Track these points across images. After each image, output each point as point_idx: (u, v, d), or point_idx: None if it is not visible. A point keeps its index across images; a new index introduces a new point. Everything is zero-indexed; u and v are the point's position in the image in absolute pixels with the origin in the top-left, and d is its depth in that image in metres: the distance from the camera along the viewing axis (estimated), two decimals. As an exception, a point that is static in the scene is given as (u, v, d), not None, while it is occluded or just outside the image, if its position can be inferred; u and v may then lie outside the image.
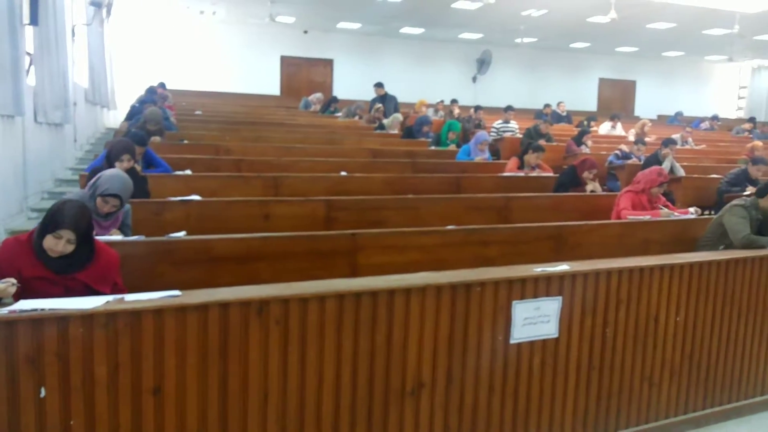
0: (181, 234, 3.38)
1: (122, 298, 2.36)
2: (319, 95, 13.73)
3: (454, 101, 13.29)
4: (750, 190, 6.36)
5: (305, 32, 17.79)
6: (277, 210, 4.45)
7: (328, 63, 18.48)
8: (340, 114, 12.03)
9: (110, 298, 2.36)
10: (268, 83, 17.45)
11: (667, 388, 3.38)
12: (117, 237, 3.30)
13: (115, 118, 12.90)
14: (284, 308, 2.47)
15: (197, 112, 10.77)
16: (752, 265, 3.61)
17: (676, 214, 5.05)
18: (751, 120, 15.19)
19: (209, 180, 5.26)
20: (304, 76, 18.31)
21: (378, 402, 2.66)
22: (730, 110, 22.37)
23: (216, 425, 2.38)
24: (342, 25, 16.83)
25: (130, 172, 4.24)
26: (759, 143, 9.54)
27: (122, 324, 2.22)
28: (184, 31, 16.39)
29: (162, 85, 11.74)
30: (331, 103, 12.93)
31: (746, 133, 14.07)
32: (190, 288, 2.54)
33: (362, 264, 3.59)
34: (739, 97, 23.17)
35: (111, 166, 4.20)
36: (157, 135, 6.76)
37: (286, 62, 18.07)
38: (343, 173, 5.90)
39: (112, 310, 2.22)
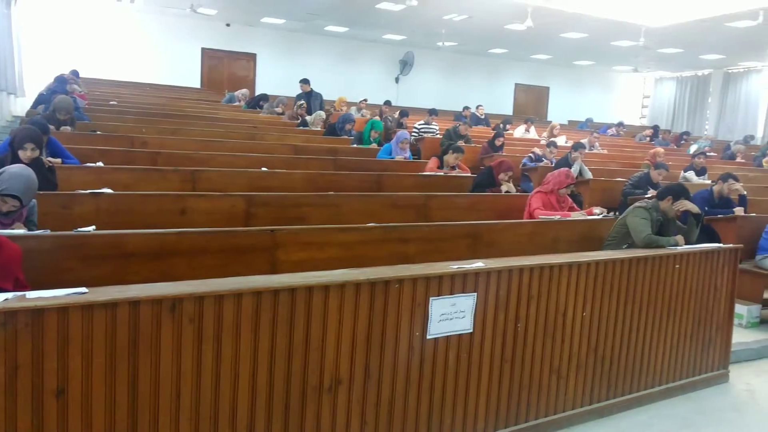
0: (91, 228, 3.23)
1: (24, 296, 2.23)
2: (244, 91, 13.50)
3: (387, 102, 13.26)
4: (651, 192, 6.77)
5: (228, 25, 17.41)
6: (195, 205, 4.34)
7: (251, 57, 18.16)
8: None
9: (10, 295, 2.23)
10: (189, 75, 16.97)
11: (574, 379, 3.55)
12: (20, 231, 3.12)
13: (23, 105, 12.16)
14: (198, 306, 2.40)
15: (112, 103, 10.31)
16: (652, 263, 3.83)
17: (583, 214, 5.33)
18: (654, 128, 16.14)
19: (122, 173, 5.06)
20: (226, 69, 17.92)
21: (295, 399, 2.64)
22: (635, 118, 23.69)
23: (124, 427, 2.29)
24: (266, 19, 16.57)
25: (36, 162, 4.02)
26: (660, 149, 10.15)
27: (23, 323, 2.10)
28: (100, 18, 15.67)
29: (75, 74, 11.18)
30: (260, 101, 12.66)
31: (648, 140, 14.96)
32: (100, 285, 2.43)
33: (282, 260, 3.56)
34: (643, 106, 24.59)
35: (14, 154, 3.96)
36: (67, 125, 6.44)
37: (208, 55, 17.62)
38: (264, 169, 5.82)
39: (12, 308, 2.09)
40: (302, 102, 11.11)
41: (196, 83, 17.14)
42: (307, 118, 10.53)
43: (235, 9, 15.64)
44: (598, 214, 5.37)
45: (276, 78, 17.35)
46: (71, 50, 14.73)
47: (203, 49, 17.45)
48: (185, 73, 16.80)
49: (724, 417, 3.84)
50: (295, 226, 3.89)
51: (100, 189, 4.18)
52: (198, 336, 2.41)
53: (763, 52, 17.23)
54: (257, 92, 15.05)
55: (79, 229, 3.21)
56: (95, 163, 5.24)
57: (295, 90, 12.24)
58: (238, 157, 6.41)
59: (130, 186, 4.84)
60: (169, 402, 2.37)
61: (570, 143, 10.13)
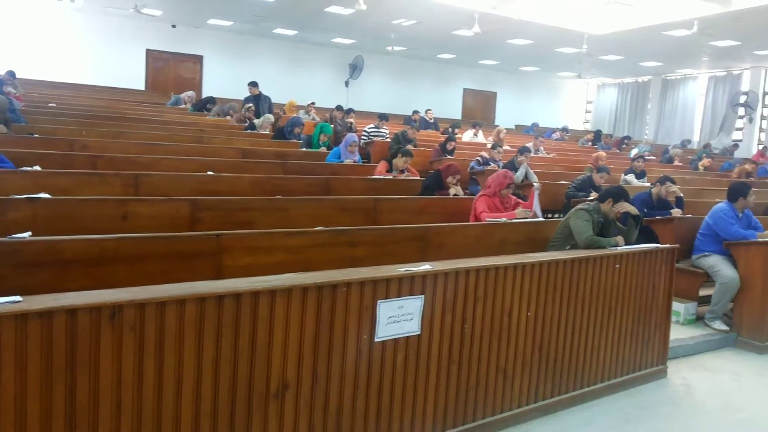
0: (26, 235, 3.11)
1: (-49, 305, 2.14)
2: (191, 93, 13.26)
3: (339, 108, 13.03)
4: (594, 195, 6.97)
5: (173, 26, 17.08)
6: (137, 210, 4.22)
7: (198, 59, 17.86)
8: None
9: (-64, 305, 2.13)
10: (133, 77, 16.57)
11: (520, 378, 3.61)
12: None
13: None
14: (140, 313, 2.34)
15: (51, 105, 9.98)
16: (594, 263, 3.94)
17: (530, 211, 5.45)
18: (597, 132, 16.62)
19: (61, 177, 4.88)
20: (171, 71, 17.57)
21: (241, 406, 2.60)
22: (579, 122, 24.37)
23: (62, 440, 2.21)
24: (213, 21, 16.33)
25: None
26: (603, 153, 10.46)
27: (-50, 333, 2.01)
28: (39, 17, 15.13)
29: (11, 74, 10.75)
30: (206, 103, 12.45)
31: (590, 144, 15.40)
32: (35, 293, 2.34)
33: (228, 266, 3.50)
34: (586, 111, 25.32)
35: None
36: (1, 126, 6.19)
37: (153, 56, 17.25)
38: (210, 173, 5.72)
39: (-61, 318, 2.00)
40: (250, 105, 10.99)
41: (140, 85, 16.75)
42: (255, 121, 10.42)
43: (180, 10, 15.36)
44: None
45: (223, 80, 17.12)
46: (7, 50, 14.19)
47: (148, 51, 17.07)
48: (129, 75, 16.39)
49: (662, 411, 3.98)
50: (241, 230, 3.83)
51: (36, 194, 4.03)
52: (139, 344, 2.35)
53: (698, 60, 18.01)
54: (204, 95, 14.81)
55: (14, 235, 3.08)
56: (32, 167, 5.05)
57: (243, 93, 12.09)
58: (183, 161, 6.28)
59: (69, 191, 4.68)
60: (110, 413, 2.30)
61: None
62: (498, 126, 13.61)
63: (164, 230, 3.79)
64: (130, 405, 2.34)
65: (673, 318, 4.89)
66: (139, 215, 4.19)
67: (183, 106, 12.64)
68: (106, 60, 16.04)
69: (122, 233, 3.50)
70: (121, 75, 16.06)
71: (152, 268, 3.27)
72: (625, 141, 16.63)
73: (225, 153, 7.38)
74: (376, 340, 2.96)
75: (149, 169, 5.67)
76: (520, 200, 5.75)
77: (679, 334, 5.13)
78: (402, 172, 7.14)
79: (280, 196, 5.22)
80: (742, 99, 18.94)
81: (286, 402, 2.72)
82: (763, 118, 19.00)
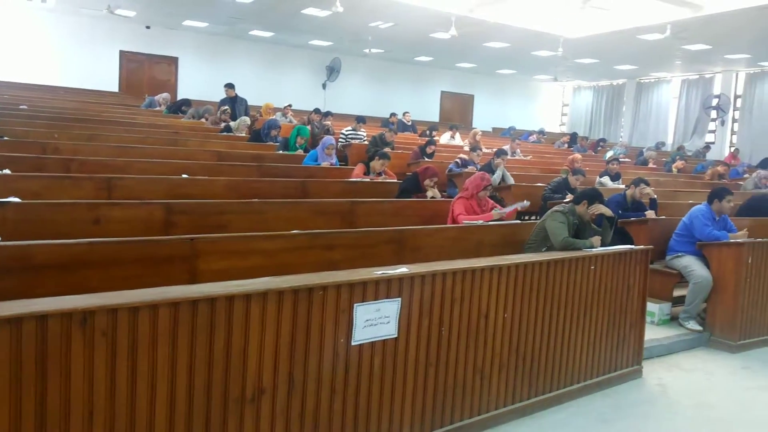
0: (-6, 240, 3.05)
1: None
2: (165, 95, 13.10)
3: (317, 111, 12.84)
4: (570, 197, 7.03)
5: (148, 27, 16.87)
6: (110, 214, 4.17)
7: (173, 61, 17.67)
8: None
9: None
10: (106, 79, 16.32)
11: (497, 380, 3.62)
12: None
13: None
14: (112, 318, 2.30)
15: (22, 107, 9.80)
16: (569, 265, 3.97)
17: (506, 213, 5.47)
18: (573, 135, 16.80)
19: (31, 181, 4.80)
20: (146, 73, 17.35)
21: (216, 411, 2.57)
22: (555, 125, 24.60)
23: (31, 449, 2.16)
24: (188, 22, 16.17)
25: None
26: (578, 156, 10.60)
27: None
28: (10, 18, 14.86)
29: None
30: (182, 105, 12.31)
31: (566, 146, 15.56)
32: (4, 299, 2.28)
33: (202, 270, 3.47)
34: (562, 114, 25.58)
35: None
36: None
37: (127, 58, 17.02)
38: (185, 176, 5.66)
39: None
40: (226, 107, 10.90)
41: (114, 87, 16.52)
42: (231, 124, 10.34)
43: (155, 11, 15.19)
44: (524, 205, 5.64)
45: (199, 83, 16.96)
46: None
47: (122, 52, 16.84)
48: (102, 76, 16.15)
49: (638, 411, 4.02)
50: (216, 234, 3.79)
51: (6, 198, 3.96)
52: (112, 350, 2.31)
53: (671, 63, 18.31)
54: (179, 97, 14.66)
55: (-19, 240, 3.02)
56: (1, 170, 4.95)
57: (218, 95, 11.99)
58: (157, 164, 6.21)
59: (40, 194, 4.60)
60: (81, 420, 2.26)
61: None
62: (474, 128, 13.67)
63: (138, 234, 3.73)
64: (103, 412, 2.30)
65: (648, 318, 4.95)
66: (112, 219, 4.14)
67: (157, 108, 12.49)
68: (79, 61, 15.79)
69: (95, 238, 3.44)
70: (94, 77, 15.81)
71: (125, 273, 3.23)
72: (601, 143, 16.83)
73: (200, 156, 7.31)
74: (353, 343, 2.95)
75: (122, 172, 5.59)
76: (497, 203, 5.78)
77: (653, 334, 5.20)
78: (379, 174, 7.13)
79: (256, 199, 5.18)
80: (714, 102, 19.29)
81: (262, 407, 2.70)
82: (734, 120, 19.36)
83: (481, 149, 9.44)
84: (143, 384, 2.38)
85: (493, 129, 20.17)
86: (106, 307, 2.29)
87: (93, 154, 6.43)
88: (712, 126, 19.77)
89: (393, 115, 14.46)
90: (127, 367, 2.34)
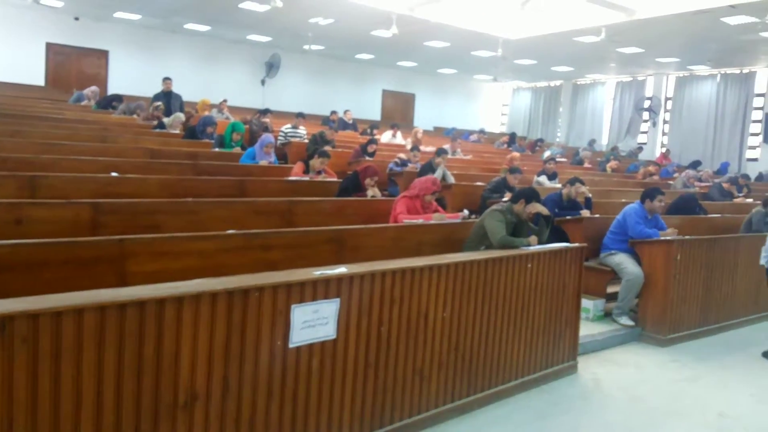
0: None
1: None
2: (94, 89, 12.54)
3: (266, 111, 12.37)
4: (508, 196, 7.14)
5: (76, 19, 16.17)
6: (33, 213, 3.95)
7: (103, 54, 16.99)
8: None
9: None
10: (31, 72, 15.54)
11: (436, 379, 3.63)
12: None
13: None
14: (33, 324, 2.16)
15: (-63, 100, 9.21)
16: (507, 263, 4.01)
17: (446, 217, 5.48)
18: (512, 135, 17.13)
19: (-55, 179, 4.51)
20: (74, 66, 16.61)
21: (146, 418, 2.46)
22: (495, 125, 25.04)
23: (-60, 468, 2.01)
24: (119, 14, 15.58)
25: None
26: (517, 155, 10.79)
27: None
28: None
29: None
30: (112, 101, 11.82)
31: (505, 146, 15.85)
32: None
33: (132, 272, 3.32)
34: (502, 114, 26.07)
35: None
36: None
37: (54, 50, 16.26)
38: (114, 174, 5.43)
39: None
40: (159, 103, 10.55)
41: (39, 81, 15.75)
42: (165, 120, 10.01)
43: (84, 2, 14.58)
44: (464, 216, 5.60)
45: (131, 77, 16.37)
46: None
47: (48, 44, 16.07)
48: (27, 69, 15.36)
49: (574, 405, 4.11)
50: (148, 234, 3.64)
51: None
52: (33, 357, 2.18)
53: (606, 65, 18.94)
54: (110, 91, 14.12)
55: None
56: None
57: (151, 90, 11.62)
58: (85, 162, 5.93)
59: (-45, 193, 4.32)
60: (-3, 434, 2.12)
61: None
62: (416, 127, 13.73)
63: (63, 235, 3.54)
64: (23, 423, 2.17)
65: (583, 315, 5.06)
66: (36, 220, 3.93)
67: (85, 102, 11.96)
68: (2, 54, 14.98)
69: (16, 239, 3.25)
70: (18, 70, 15.02)
71: (50, 276, 3.06)
72: (539, 143, 17.23)
73: (131, 153, 7.04)
74: (291, 345, 2.88)
75: (47, 170, 5.32)
76: (441, 207, 5.79)
77: (588, 330, 5.33)
78: (319, 173, 7.05)
79: (190, 199, 5.01)
80: (647, 104, 20.09)
81: (195, 413, 2.60)
82: (665, 122, 20.20)
83: (419, 149, 9.48)
84: (67, 392, 2.26)
85: (435, 128, 20.34)
86: (27, 312, 2.16)
87: (15, 150, 6.08)
88: (644, 127, 20.58)
89: (333, 113, 14.37)
90: (50, 375, 2.22)
